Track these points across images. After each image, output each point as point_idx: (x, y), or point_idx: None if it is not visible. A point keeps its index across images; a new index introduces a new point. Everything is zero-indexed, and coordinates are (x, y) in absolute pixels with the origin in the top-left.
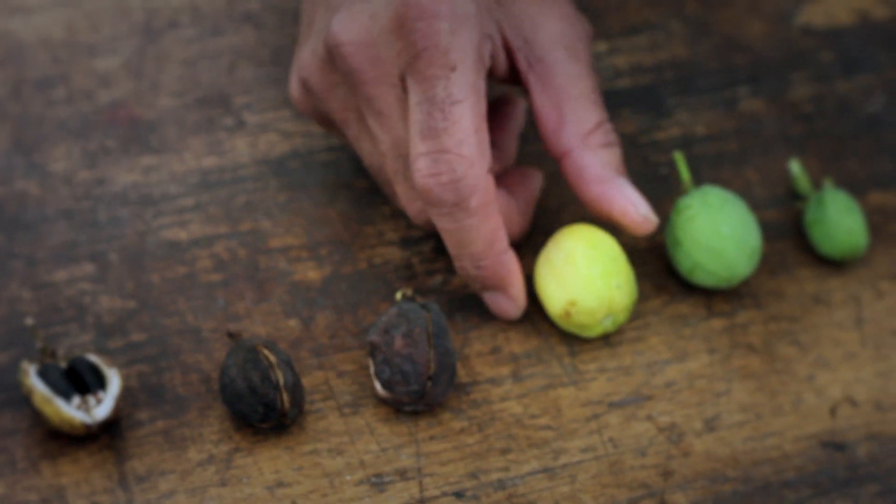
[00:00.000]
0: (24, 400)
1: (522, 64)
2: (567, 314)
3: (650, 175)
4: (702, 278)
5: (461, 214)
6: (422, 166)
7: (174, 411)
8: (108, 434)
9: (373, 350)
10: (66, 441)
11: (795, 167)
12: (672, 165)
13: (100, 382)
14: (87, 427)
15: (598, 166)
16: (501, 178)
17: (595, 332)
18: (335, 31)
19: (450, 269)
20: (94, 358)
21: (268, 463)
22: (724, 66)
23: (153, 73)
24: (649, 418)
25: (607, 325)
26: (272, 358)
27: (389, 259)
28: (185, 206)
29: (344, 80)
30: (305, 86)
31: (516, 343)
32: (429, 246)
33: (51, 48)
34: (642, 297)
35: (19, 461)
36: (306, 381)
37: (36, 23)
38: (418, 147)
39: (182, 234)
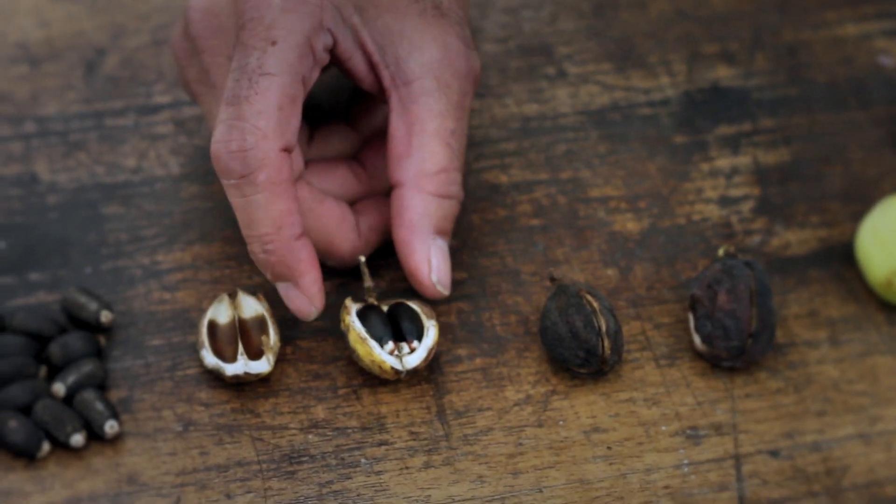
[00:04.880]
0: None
1: (387, 81)
2: (889, 283)
3: None
4: None
5: (248, 188)
6: (217, 132)
7: (492, 350)
8: (427, 368)
9: (694, 304)
10: None
11: None
12: None
13: (417, 330)
14: (396, 372)
15: (418, 212)
16: (363, 200)
17: None
18: None
19: (769, 231)
20: (415, 305)
21: (584, 408)
22: None
23: (476, 18)
24: None
25: None
26: (595, 304)
27: (707, 216)
28: (506, 150)
29: (192, 49)
30: (172, 52)
31: (834, 308)
32: (748, 206)
33: None
34: None
35: (340, 388)
36: (623, 331)
37: None
38: (220, 114)
39: (503, 178)
